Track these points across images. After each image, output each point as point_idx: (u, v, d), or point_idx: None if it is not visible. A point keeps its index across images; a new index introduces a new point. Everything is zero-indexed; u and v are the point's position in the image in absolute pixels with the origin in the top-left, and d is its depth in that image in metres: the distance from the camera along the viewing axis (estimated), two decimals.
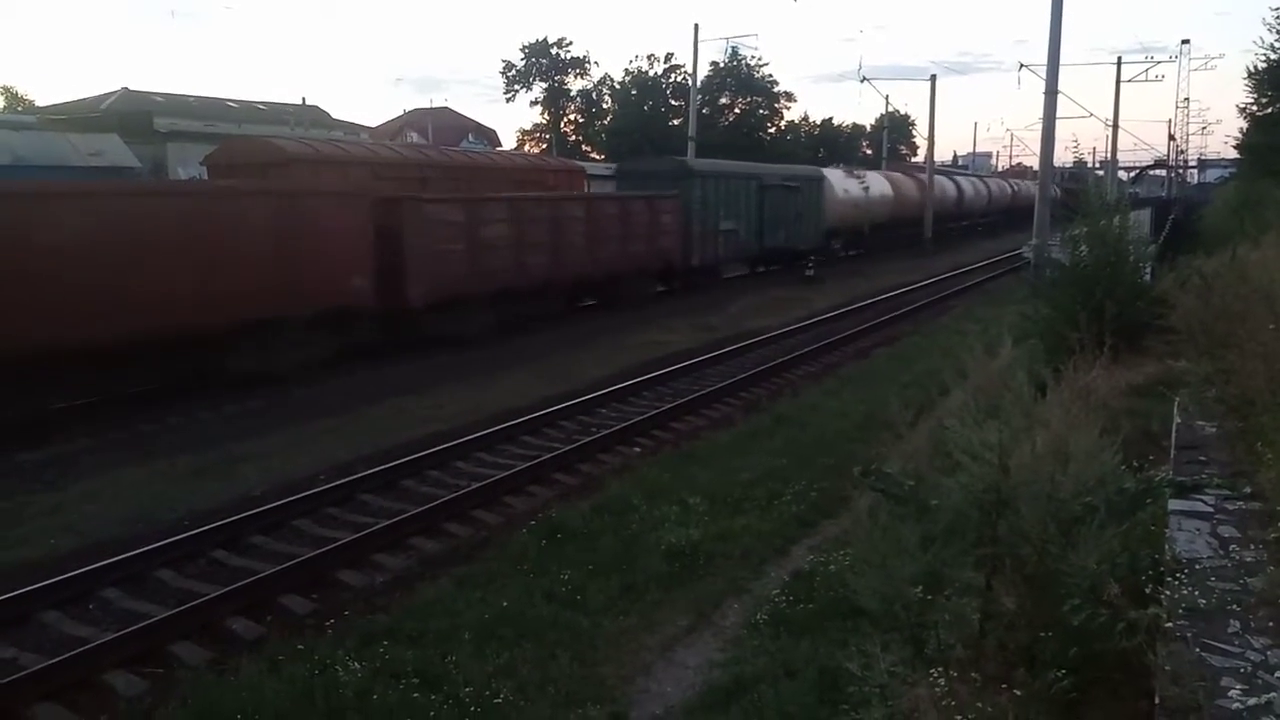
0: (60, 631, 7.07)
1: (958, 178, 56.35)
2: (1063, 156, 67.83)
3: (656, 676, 6.45)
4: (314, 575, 7.99)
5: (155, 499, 9.77)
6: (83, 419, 12.31)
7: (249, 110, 42.11)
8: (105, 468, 10.71)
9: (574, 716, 5.85)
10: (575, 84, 72.15)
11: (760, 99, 71.21)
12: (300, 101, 46.51)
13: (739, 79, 69.48)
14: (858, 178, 39.38)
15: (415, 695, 5.91)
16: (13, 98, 51.85)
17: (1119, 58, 51.15)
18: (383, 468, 10.46)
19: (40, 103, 48.62)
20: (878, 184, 41.26)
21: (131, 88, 41.63)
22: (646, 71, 69.56)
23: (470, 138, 58.59)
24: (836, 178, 37.15)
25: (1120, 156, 59.94)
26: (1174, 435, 6.97)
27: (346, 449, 11.47)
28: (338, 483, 10.00)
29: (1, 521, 9.12)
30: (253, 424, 12.68)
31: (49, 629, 7.11)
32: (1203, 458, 6.35)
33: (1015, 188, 68.77)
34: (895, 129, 76.61)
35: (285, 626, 7.18)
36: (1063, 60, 21.72)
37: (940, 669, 4.05)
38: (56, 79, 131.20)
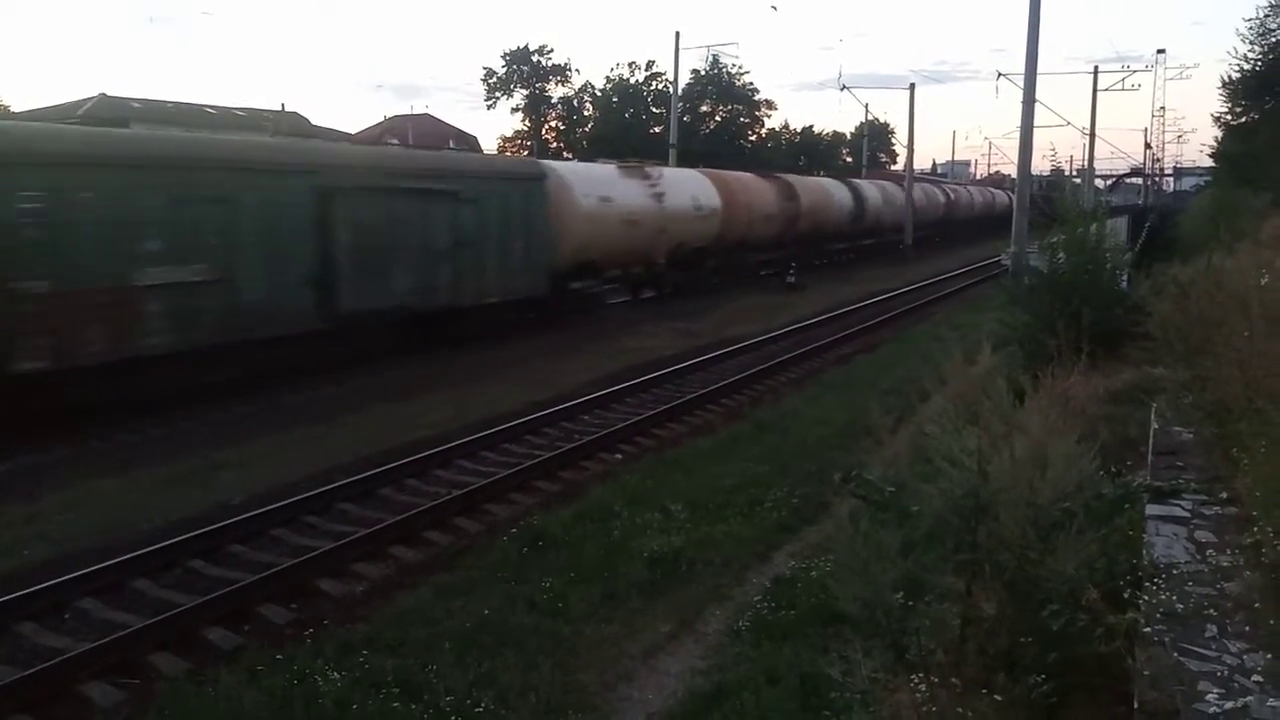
0: (35, 642, 6.97)
1: (860, 183, 43.41)
2: (1040, 165, 67.28)
3: (639, 684, 6.44)
4: (293, 584, 7.93)
5: (133, 508, 9.67)
6: (62, 428, 12.16)
7: (227, 116, 41.86)
8: (83, 477, 10.58)
9: None
10: (556, 91, 72.32)
11: (741, 107, 71.54)
12: (279, 107, 46.37)
13: (720, 87, 69.78)
14: (645, 178, 25.33)
15: (395, 705, 5.87)
16: None
17: (1096, 67, 51.63)
18: (363, 476, 10.40)
19: (17, 108, 48.26)
20: (688, 189, 27.35)
21: (109, 93, 41.28)
22: (628, 79, 69.81)
23: (451, 144, 58.45)
24: (583, 177, 23.15)
25: (1097, 165, 60.36)
26: (1151, 441, 7.03)
27: (327, 457, 11.40)
28: (317, 491, 9.93)
29: None
30: (233, 432, 12.58)
31: (24, 640, 7.02)
32: (1180, 463, 6.41)
33: (951, 195, 56.16)
34: (875, 137, 77.07)
35: (264, 636, 7.12)
36: (1040, 69, 21.91)
37: (921, 674, 4.07)
38: (34, 84, 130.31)
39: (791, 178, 36.32)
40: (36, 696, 6.18)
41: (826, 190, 37.79)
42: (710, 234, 28.17)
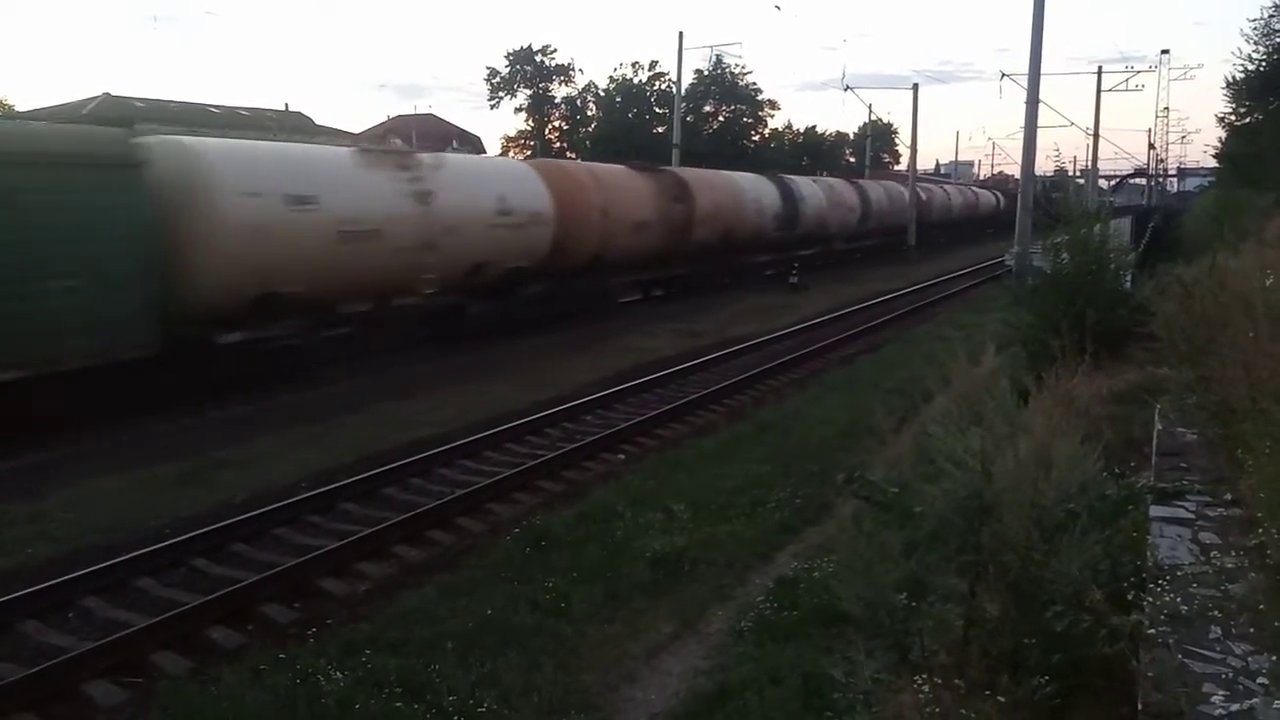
0: (39, 641, 6.98)
1: (796, 180, 35.19)
2: (1044, 165, 66.38)
3: (641, 684, 6.44)
4: (296, 584, 7.93)
5: (136, 507, 9.67)
6: (63, 427, 12.16)
7: (231, 115, 41.88)
8: (85, 476, 10.59)
9: None
10: (560, 91, 72.29)
11: (744, 107, 71.48)
12: (283, 107, 46.39)
13: (723, 87, 69.74)
14: (402, 169, 17.19)
15: (398, 704, 5.87)
16: None
17: (1099, 67, 51.49)
18: (365, 475, 10.40)
19: (21, 107, 48.29)
20: (490, 187, 19.30)
21: (113, 93, 41.31)
22: (631, 79, 69.76)
23: (454, 144, 58.42)
24: (246, 164, 14.69)
25: (1101, 165, 60.29)
26: (1155, 442, 7.01)
27: (329, 456, 11.40)
28: (320, 490, 9.93)
29: None
30: (235, 431, 12.58)
31: (28, 638, 7.02)
32: (1184, 464, 6.39)
33: (923, 196, 48.43)
34: (878, 137, 77.03)
35: (267, 635, 7.13)
36: (1044, 70, 21.88)
37: (924, 675, 4.06)
38: (38, 84, 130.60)
39: (685, 172, 29.01)
40: (40, 695, 6.18)
41: (736, 189, 29.76)
42: (536, 250, 20.22)
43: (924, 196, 48.60)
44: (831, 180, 40.04)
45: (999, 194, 68.92)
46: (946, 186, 57.05)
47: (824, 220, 35.29)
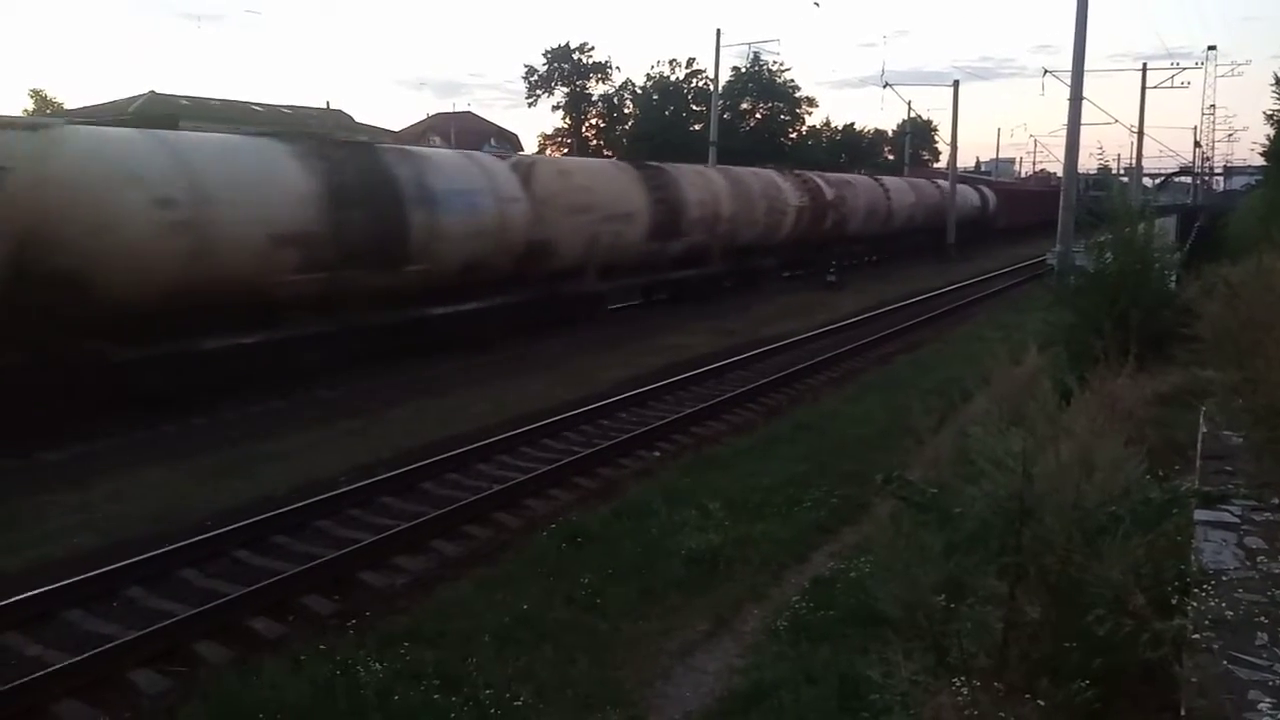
0: (84, 629, 7.12)
1: (426, 157, 17.76)
2: (1087, 163, 64.78)
3: (675, 681, 6.45)
4: (336, 576, 8.03)
5: (179, 499, 9.83)
6: (105, 418, 12.39)
7: (273, 114, 42.38)
8: (129, 467, 10.78)
9: None
10: (597, 89, 72.47)
11: (782, 104, 71.30)
12: (325, 105, 46.90)
13: (760, 84, 69.62)
14: None
15: (436, 696, 5.92)
16: (42, 100, 52.48)
17: (1144, 64, 50.83)
18: (404, 470, 10.50)
19: (69, 105, 49.18)
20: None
21: (158, 91, 41.96)
22: (668, 76, 69.83)
23: (492, 142, 58.77)
24: None
25: (1146, 163, 59.26)
26: (1200, 445, 6.91)
27: (368, 451, 11.51)
28: (359, 484, 10.04)
29: (25, 520, 9.20)
30: (275, 425, 12.74)
31: (73, 626, 7.17)
32: (1229, 468, 6.30)
33: (828, 193, 31.41)
34: (917, 134, 76.42)
35: (307, 626, 7.22)
36: (1087, 66, 21.60)
37: (963, 678, 4.03)
38: (85, 82, 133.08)
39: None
40: (85, 682, 6.31)
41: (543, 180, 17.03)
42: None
43: (830, 195, 31.56)
44: (568, 162, 23.64)
45: (985, 190, 52.45)
46: (887, 179, 40.23)
47: (541, 244, 18.89)
